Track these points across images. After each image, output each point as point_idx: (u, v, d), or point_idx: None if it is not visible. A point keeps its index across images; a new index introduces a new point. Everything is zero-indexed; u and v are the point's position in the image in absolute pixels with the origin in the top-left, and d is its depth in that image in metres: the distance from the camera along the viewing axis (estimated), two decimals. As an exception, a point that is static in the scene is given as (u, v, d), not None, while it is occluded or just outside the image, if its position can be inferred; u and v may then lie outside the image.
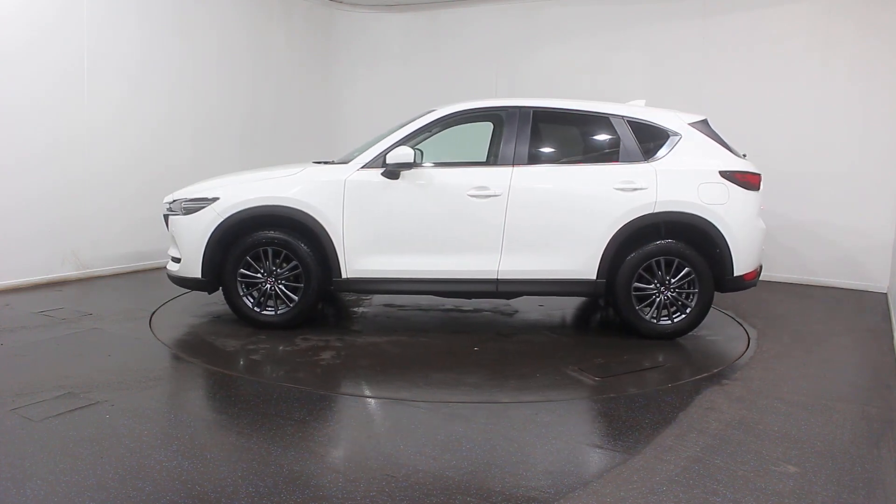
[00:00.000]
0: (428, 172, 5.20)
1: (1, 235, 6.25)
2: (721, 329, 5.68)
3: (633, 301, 5.18)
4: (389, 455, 3.20)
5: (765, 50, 7.70)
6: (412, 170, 5.13)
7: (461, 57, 9.33)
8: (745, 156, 5.41)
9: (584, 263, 5.14)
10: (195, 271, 5.23)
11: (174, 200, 5.41)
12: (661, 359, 4.83)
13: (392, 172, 5.12)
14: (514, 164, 5.19)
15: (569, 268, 5.16)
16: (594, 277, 5.15)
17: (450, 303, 6.29)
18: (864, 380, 4.66)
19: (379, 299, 6.51)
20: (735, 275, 5.15)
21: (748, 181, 5.19)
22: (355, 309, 6.19)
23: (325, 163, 5.56)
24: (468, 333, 5.41)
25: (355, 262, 5.17)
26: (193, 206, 5.25)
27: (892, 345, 5.33)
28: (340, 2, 9.77)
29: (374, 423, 3.61)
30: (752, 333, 5.54)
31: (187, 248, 5.25)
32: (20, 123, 6.31)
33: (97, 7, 6.82)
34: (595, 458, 3.24)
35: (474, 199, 5.12)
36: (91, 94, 6.84)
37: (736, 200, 5.12)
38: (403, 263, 5.17)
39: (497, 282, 5.19)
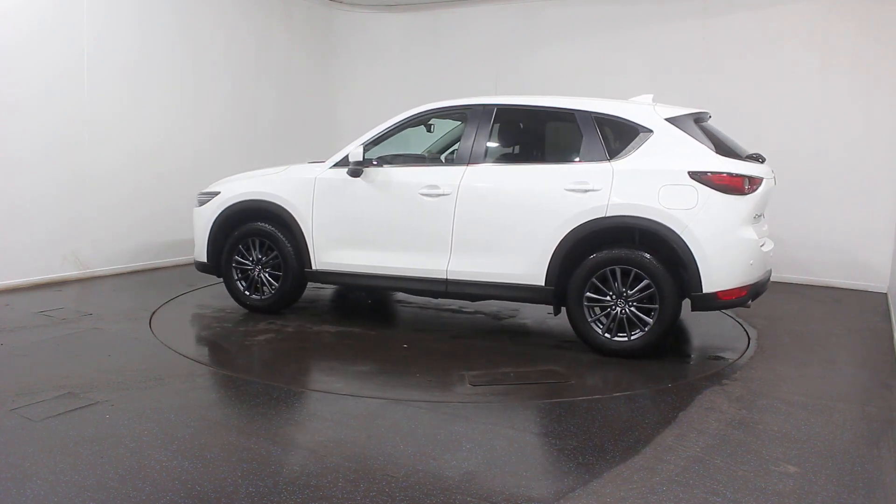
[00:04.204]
0: (388, 171, 5.29)
1: (1, 235, 6.25)
2: (720, 329, 5.67)
3: (584, 312, 4.75)
4: (390, 455, 3.20)
5: (765, 50, 7.70)
6: (374, 168, 5.28)
7: (461, 57, 9.32)
8: (758, 157, 4.89)
9: (530, 268, 4.83)
10: (203, 256, 5.85)
11: (199, 193, 6.06)
12: (588, 374, 4.46)
13: (354, 171, 5.30)
14: (468, 163, 5.09)
15: (514, 272, 4.89)
16: (542, 284, 4.81)
17: (455, 304, 6.27)
18: (864, 380, 4.65)
19: (397, 295, 6.57)
20: (705, 292, 4.52)
21: (727, 184, 4.52)
22: (370, 301, 6.43)
23: (319, 162, 5.73)
24: (428, 332, 5.46)
25: (322, 254, 5.46)
26: (204, 199, 5.91)
27: (892, 345, 5.33)
28: (341, 1, 9.77)
29: (377, 422, 3.60)
30: (752, 333, 5.54)
31: (198, 235, 5.90)
32: (20, 122, 6.30)
33: (98, 4, 6.82)
34: (595, 458, 3.24)
35: (425, 198, 5.10)
36: (91, 92, 6.84)
37: (709, 206, 4.49)
38: (362, 258, 5.35)
39: (446, 282, 5.11)
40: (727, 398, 4.05)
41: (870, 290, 7.33)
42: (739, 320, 5.92)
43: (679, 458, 3.22)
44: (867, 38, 7.26)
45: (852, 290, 7.39)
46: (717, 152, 4.68)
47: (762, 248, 4.81)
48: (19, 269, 6.40)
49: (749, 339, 5.40)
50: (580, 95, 5.29)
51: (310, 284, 5.83)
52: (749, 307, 4.94)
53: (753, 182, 4.63)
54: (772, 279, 5.25)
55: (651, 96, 5.34)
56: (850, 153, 7.41)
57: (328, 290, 6.81)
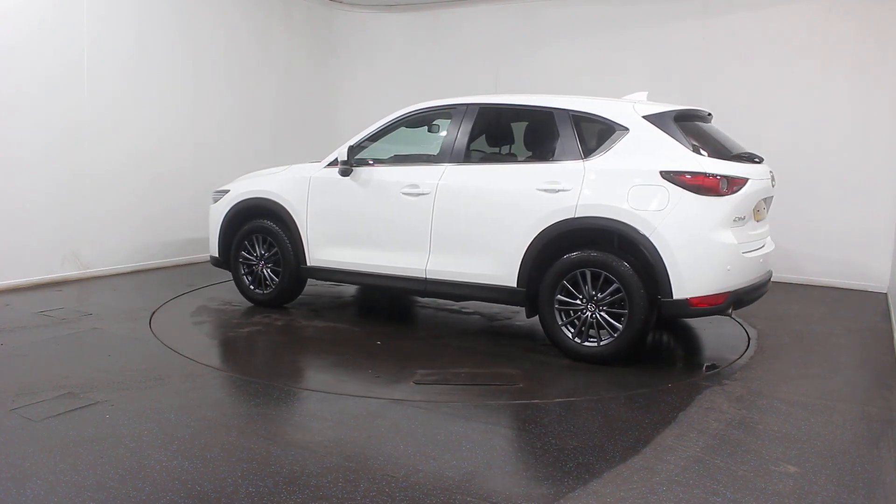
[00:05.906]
0: (374, 170, 5.38)
1: (1, 235, 6.25)
2: (721, 329, 5.67)
3: (555, 316, 4.61)
4: (390, 455, 3.20)
5: (765, 50, 7.70)
6: (362, 167, 5.39)
7: (461, 57, 9.32)
8: (752, 157, 4.73)
9: (502, 269, 4.76)
10: (215, 251, 6.13)
11: (213, 191, 6.30)
12: (551, 379, 4.36)
13: (344, 170, 5.41)
14: (448, 162, 5.09)
15: (487, 272, 4.84)
16: (514, 285, 4.72)
17: (455, 303, 6.25)
18: (864, 380, 4.66)
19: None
20: (676, 298, 4.30)
21: (700, 184, 4.29)
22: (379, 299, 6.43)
23: (319, 162, 5.80)
24: (412, 330, 5.55)
25: (316, 251, 5.61)
26: (217, 196, 6.18)
27: (892, 345, 5.33)
28: (341, 1, 9.77)
29: (377, 422, 3.60)
30: (752, 333, 5.53)
31: (211, 231, 6.15)
32: (20, 122, 6.30)
33: (98, 4, 6.81)
34: (595, 458, 3.24)
35: (407, 196, 5.14)
36: (91, 92, 6.84)
37: (681, 207, 4.29)
38: (350, 256, 5.46)
39: (426, 281, 5.13)
40: (727, 398, 4.05)
41: (870, 290, 7.33)
42: (739, 320, 5.92)
43: (679, 458, 3.22)
44: (867, 38, 7.25)
45: (852, 290, 7.39)
46: (701, 151, 4.47)
47: (750, 252, 4.60)
48: (19, 269, 6.40)
49: (749, 339, 5.40)
50: (581, 95, 5.24)
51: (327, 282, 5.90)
52: (729, 315, 4.77)
53: (733, 182, 4.39)
54: (773, 279, 5.17)
55: (645, 94, 5.25)
56: (850, 153, 7.41)
57: (349, 287, 6.84)
